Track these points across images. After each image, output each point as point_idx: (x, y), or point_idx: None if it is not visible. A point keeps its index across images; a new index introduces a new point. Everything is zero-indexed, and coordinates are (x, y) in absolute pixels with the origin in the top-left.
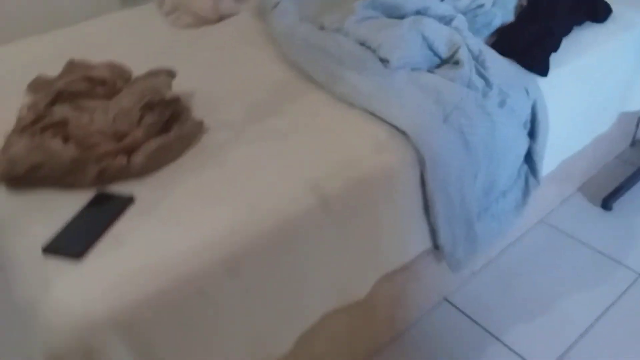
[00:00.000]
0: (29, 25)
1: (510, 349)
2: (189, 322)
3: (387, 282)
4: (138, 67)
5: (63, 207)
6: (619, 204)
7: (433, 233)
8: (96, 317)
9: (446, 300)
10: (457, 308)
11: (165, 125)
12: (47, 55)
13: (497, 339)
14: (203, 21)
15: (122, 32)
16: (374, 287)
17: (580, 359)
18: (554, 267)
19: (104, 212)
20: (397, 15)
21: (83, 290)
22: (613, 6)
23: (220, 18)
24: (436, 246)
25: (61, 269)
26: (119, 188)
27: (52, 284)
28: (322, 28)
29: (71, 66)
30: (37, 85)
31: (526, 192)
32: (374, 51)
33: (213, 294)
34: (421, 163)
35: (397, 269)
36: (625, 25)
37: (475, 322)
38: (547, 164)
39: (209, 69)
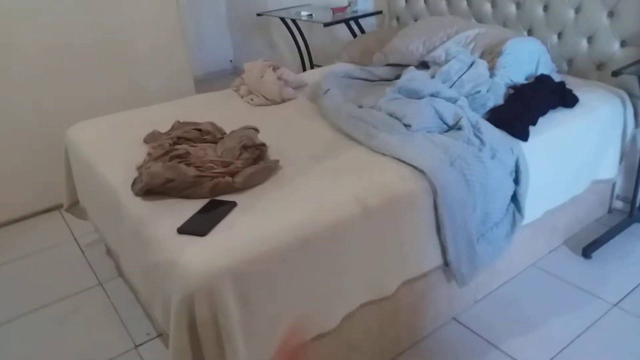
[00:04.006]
0: (118, 104)
1: (507, 354)
2: (273, 282)
3: (409, 289)
4: (228, 129)
5: (185, 209)
6: (597, 254)
7: (444, 251)
8: (216, 268)
9: (455, 319)
10: (464, 325)
11: (254, 161)
12: (151, 120)
13: (496, 347)
14: (271, 102)
15: (209, 107)
16: (398, 291)
17: None
18: (543, 298)
19: (217, 211)
20: (417, 97)
21: (207, 253)
22: (579, 95)
23: (283, 100)
24: (446, 263)
25: (192, 241)
26: (225, 198)
27: (186, 250)
28: (360, 107)
29: (178, 124)
30: (153, 136)
31: (513, 224)
32: (399, 120)
33: (291, 262)
34: (434, 193)
35: (416, 277)
36: (589, 109)
37: (479, 335)
38: (534, 211)
39: (278, 131)
